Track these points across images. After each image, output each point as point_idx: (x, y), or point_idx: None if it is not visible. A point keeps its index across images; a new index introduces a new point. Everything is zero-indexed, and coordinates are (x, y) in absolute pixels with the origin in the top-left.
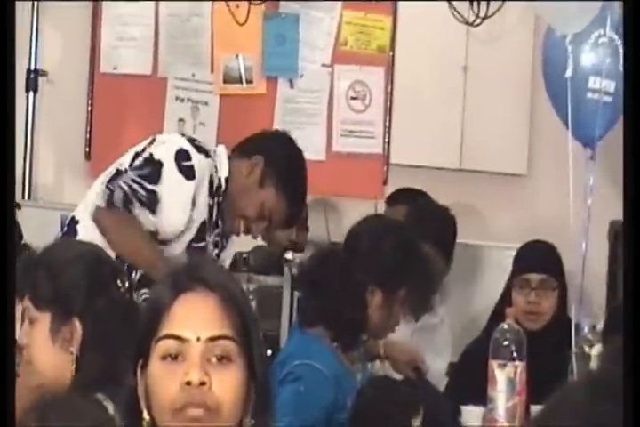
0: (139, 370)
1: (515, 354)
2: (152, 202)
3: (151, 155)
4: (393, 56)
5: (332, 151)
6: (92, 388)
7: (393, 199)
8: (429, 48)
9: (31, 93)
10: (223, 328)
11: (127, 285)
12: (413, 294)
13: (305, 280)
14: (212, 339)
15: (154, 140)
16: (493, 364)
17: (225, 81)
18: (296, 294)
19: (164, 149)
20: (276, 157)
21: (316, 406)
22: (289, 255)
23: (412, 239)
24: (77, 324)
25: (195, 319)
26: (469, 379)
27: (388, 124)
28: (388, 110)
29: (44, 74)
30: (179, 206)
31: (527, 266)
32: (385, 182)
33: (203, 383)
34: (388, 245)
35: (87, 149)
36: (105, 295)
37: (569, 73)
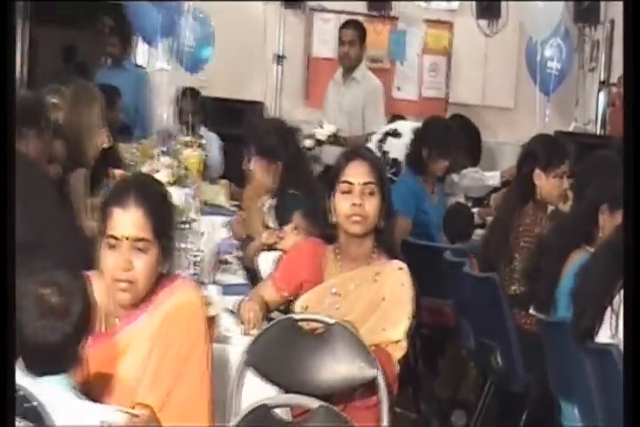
0: (330, 198)
1: None
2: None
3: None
4: (450, 54)
5: (423, 95)
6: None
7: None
8: (469, 47)
9: (279, 67)
10: (371, 178)
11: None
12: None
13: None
14: (366, 183)
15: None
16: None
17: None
18: None
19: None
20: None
21: (409, 194)
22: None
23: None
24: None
25: (358, 174)
26: None
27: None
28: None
29: (284, 57)
30: None
31: None
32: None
33: (361, 205)
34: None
35: (305, 93)
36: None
37: (539, 58)
